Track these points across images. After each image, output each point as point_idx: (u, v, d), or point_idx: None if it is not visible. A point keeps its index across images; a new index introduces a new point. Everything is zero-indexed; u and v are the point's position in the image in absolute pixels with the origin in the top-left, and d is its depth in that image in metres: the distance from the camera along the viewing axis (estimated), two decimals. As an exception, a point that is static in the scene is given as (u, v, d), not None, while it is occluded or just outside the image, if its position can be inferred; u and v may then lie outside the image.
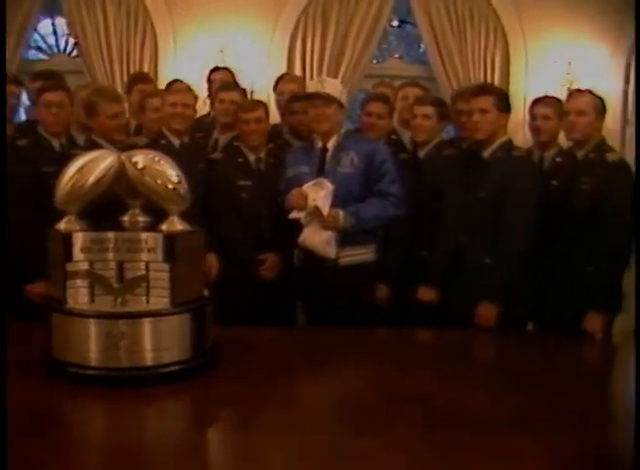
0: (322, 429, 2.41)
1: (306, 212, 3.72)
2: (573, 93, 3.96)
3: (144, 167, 2.77)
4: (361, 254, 3.87)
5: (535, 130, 4.27)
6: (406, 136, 4.59)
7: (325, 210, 3.68)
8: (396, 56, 7.57)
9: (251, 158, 4.23)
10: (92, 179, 2.75)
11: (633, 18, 6.34)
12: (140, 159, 2.79)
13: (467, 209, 3.90)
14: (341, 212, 3.71)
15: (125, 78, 6.16)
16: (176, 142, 4.19)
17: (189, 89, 4.64)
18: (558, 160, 4.16)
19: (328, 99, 3.79)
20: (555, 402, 2.61)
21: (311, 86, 3.99)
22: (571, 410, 2.54)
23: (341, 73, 6.35)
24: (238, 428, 2.43)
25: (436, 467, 2.13)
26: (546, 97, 4.55)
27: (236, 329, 3.40)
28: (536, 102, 4.35)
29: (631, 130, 6.59)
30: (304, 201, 3.70)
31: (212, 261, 4.08)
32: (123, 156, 2.82)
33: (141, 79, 5.17)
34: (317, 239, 3.74)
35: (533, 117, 4.27)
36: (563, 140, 4.22)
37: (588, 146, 3.78)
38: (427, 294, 3.98)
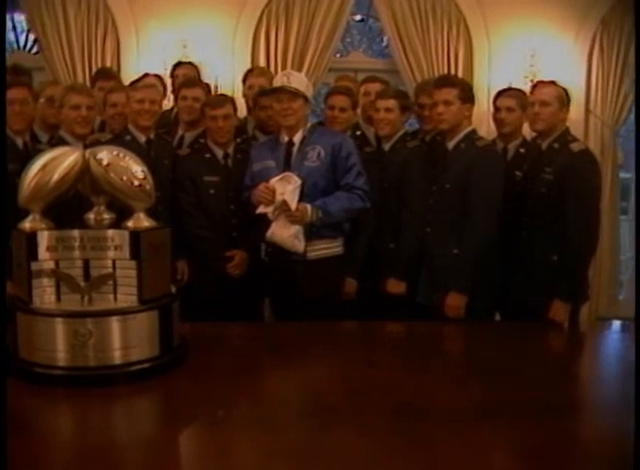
0: (291, 423, 2.41)
1: (274, 207, 3.70)
2: (538, 84, 3.97)
3: (108, 164, 2.74)
4: (329, 247, 3.88)
5: (499, 122, 4.30)
6: (370, 132, 4.58)
7: (293, 204, 3.67)
8: (360, 50, 7.55)
9: (219, 153, 4.20)
10: (56, 177, 2.72)
11: (600, 11, 6.47)
12: (104, 155, 2.77)
13: (432, 200, 3.93)
14: (308, 206, 3.70)
15: (87, 74, 6.12)
16: (142, 138, 4.13)
17: (156, 84, 4.60)
18: (521, 150, 4.20)
19: (294, 93, 3.78)
20: (522, 392, 2.64)
21: (277, 80, 3.95)
22: (538, 399, 2.57)
23: (304, 67, 6.33)
24: (207, 425, 2.42)
25: (405, 457, 2.14)
26: (509, 89, 4.59)
27: (203, 325, 3.40)
28: (500, 94, 4.38)
29: (594, 120, 6.67)
30: (272, 195, 3.69)
31: (183, 269, 4.11)
32: (87, 152, 2.80)
33: (102, 75, 5.11)
34: (285, 233, 3.72)
35: (497, 109, 4.30)
36: (527, 132, 4.25)
37: (552, 136, 3.80)
38: (396, 286, 4.01)
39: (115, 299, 2.78)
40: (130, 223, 2.81)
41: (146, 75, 4.98)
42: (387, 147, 4.26)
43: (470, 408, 2.49)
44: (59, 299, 2.77)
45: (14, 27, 8.42)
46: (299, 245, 3.75)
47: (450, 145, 3.91)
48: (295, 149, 3.87)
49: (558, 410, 2.50)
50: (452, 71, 6.41)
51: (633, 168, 7.34)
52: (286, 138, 3.89)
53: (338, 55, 7.11)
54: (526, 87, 4.98)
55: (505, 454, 2.20)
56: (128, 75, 5.53)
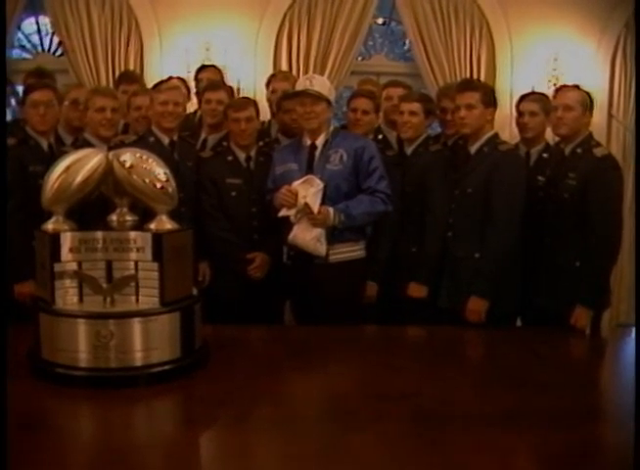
0: (311, 426, 2.42)
1: (296, 210, 3.71)
2: (561, 88, 3.95)
3: (131, 166, 2.76)
4: (351, 251, 3.88)
5: (522, 127, 4.26)
6: (392, 135, 4.58)
7: (315, 207, 3.67)
8: (382, 53, 7.54)
9: (241, 156, 4.21)
10: (79, 179, 2.73)
11: (623, 14, 6.42)
12: (128, 157, 2.78)
13: (454, 204, 3.92)
14: (331, 209, 3.70)
15: (111, 77, 6.15)
16: (165, 140, 4.14)
17: (180, 86, 4.61)
18: (544, 155, 4.18)
19: (316, 97, 3.78)
20: (543, 398, 2.62)
21: (300, 84, 3.95)
22: (559, 406, 2.55)
23: (327, 70, 6.32)
24: (228, 427, 2.42)
25: (424, 462, 2.14)
26: (532, 93, 4.57)
27: (224, 328, 3.40)
28: (523, 98, 4.35)
29: (617, 125, 6.63)
30: (294, 198, 3.69)
31: (205, 270, 4.13)
32: (111, 154, 2.81)
33: (126, 79, 5.14)
34: (307, 236, 3.72)
35: (520, 113, 4.27)
36: (549, 136, 4.23)
37: (575, 141, 3.77)
38: (417, 290, 3.99)
39: (137, 300, 2.79)
40: (153, 225, 2.83)
41: (170, 78, 5.00)
42: (409, 151, 4.25)
43: (490, 414, 2.48)
44: (81, 300, 2.79)
45: (38, 30, 8.47)
46: (321, 248, 3.75)
47: (472, 149, 3.90)
48: (317, 152, 3.87)
49: (578, 417, 2.49)
50: (474, 75, 6.39)
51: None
52: (308, 141, 3.90)
53: (360, 58, 7.10)
54: (549, 91, 4.96)
55: (525, 461, 2.19)
56: (151, 78, 5.56)
